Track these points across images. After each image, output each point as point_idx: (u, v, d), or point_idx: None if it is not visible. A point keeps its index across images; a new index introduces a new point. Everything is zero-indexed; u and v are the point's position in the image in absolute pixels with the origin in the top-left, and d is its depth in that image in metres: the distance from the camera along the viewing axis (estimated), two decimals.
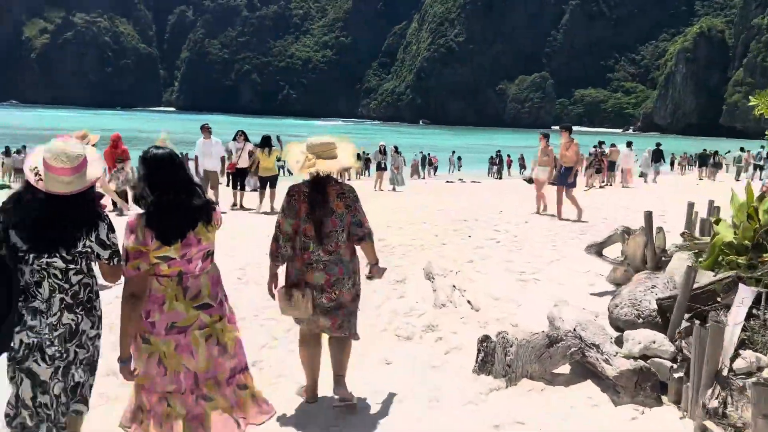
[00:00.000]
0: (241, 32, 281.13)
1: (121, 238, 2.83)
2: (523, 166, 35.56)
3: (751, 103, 5.40)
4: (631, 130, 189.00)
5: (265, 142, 13.23)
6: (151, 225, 2.74)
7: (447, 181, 28.11)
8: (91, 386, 2.94)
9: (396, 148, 21.47)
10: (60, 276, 2.71)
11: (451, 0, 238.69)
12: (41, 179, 2.65)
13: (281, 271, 3.75)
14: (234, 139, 14.01)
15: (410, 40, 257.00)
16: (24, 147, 28.03)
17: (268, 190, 12.86)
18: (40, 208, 2.64)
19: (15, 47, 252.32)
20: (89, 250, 2.75)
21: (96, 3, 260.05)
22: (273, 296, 3.72)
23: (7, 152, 27.76)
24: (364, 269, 3.86)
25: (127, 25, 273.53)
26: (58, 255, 2.68)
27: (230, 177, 15.85)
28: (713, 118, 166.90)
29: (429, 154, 36.36)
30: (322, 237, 3.52)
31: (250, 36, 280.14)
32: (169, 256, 2.78)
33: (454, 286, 5.87)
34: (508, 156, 37.70)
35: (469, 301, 5.62)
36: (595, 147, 22.09)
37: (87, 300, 2.82)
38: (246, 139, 13.73)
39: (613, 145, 23.88)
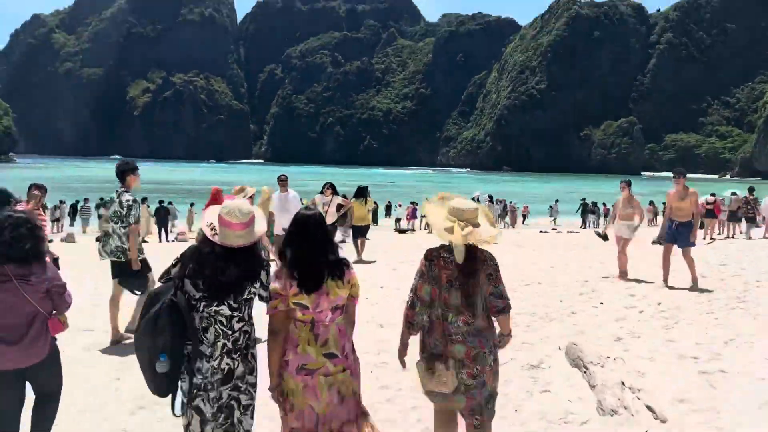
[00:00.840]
0: (326, 87, 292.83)
1: None
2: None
3: None
4: (728, 176, 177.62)
5: (361, 193, 13.61)
6: (292, 274, 3.07)
7: (541, 231, 26.33)
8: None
9: (491, 197, 19.93)
10: (225, 323, 3.02)
11: (531, 49, 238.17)
12: (216, 233, 3.03)
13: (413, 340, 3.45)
14: (321, 192, 12.43)
15: (489, 89, 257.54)
16: (105, 198, 28.45)
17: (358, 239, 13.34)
18: (217, 259, 2.98)
19: (120, 106, 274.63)
20: (253, 296, 3.10)
21: (193, 64, 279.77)
22: (403, 365, 3.50)
23: (104, 204, 28.12)
24: None
25: (221, 83, 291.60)
26: (225, 303, 3.01)
27: None
28: None
29: (511, 203, 34.12)
30: (464, 307, 3.29)
31: (334, 90, 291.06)
32: (303, 304, 3.06)
33: (622, 383, 4.40)
34: (604, 205, 35.27)
35: (649, 407, 4.15)
36: (744, 196, 20.77)
37: (245, 347, 3.11)
38: (334, 192, 12.32)
39: (733, 193, 21.68)
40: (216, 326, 3.02)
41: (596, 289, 9.09)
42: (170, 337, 2.89)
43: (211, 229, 3.04)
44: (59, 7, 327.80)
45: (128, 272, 6.27)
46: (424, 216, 20.07)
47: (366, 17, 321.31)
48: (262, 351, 3.09)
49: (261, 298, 3.15)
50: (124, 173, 6.42)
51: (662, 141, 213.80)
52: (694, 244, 9.41)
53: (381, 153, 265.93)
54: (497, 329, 3.44)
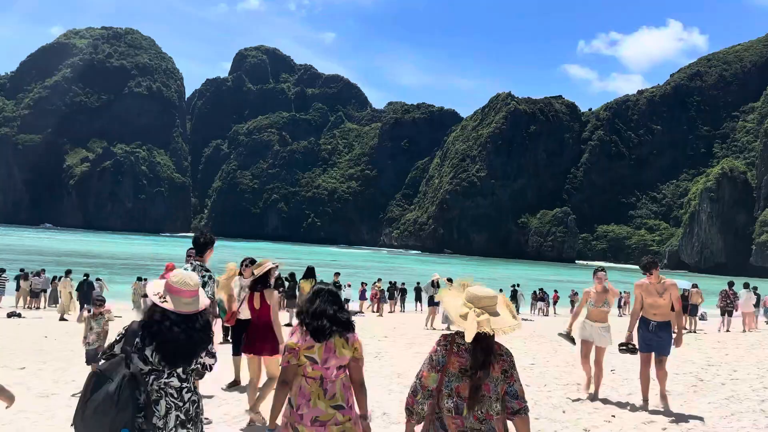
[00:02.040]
0: (272, 164, 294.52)
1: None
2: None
3: None
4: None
5: (310, 273, 13.26)
6: (306, 327, 3.53)
7: None
8: None
9: (450, 280, 19.23)
10: (175, 395, 3.10)
11: (472, 139, 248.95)
12: (165, 301, 3.15)
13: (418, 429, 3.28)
14: (240, 274, 8.27)
15: (432, 174, 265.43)
16: (43, 270, 26.01)
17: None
18: (172, 325, 3.09)
19: (56, 174, 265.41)
20: (200, 366, 3.23)
21: (136, 135, 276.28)
22: None
23: (25, 276, 25.10)
24: None
25: (164, 156, 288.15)
26: (175, 374, 3.10)
27: (227, 332, 11.90)
28: (743, 258, 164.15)
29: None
30: (475, 402, 3.07)
31: (280, 168, 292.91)
32: (314, 358, 3.46)
33: None
34: (555, 292, 35.56)
35: None
36: (723, 289, 20.83)
37: (195, 415, 3.21)
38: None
39: (694, 286, 20.95)
40: (167, 398, 3.07)
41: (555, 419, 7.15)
42: (131, 413, 2.89)
43: (160, 297, 3.15)
44: (1, 72, 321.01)
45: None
46: (438, 303, 18.54)
47: (315, 100, 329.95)
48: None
49: (204, 367, 3.27)
50: (206, 246, 5.95)
51: (595, 231, 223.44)
52: (668, 352, 7.44)
53: (324, 231, 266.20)
54: None
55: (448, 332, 3.32)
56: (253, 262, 7.76)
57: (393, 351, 12.06)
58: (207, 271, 5.81)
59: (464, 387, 3.08)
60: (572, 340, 8.45)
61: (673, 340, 7.40)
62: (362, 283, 30.67)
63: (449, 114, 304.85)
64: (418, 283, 33.26)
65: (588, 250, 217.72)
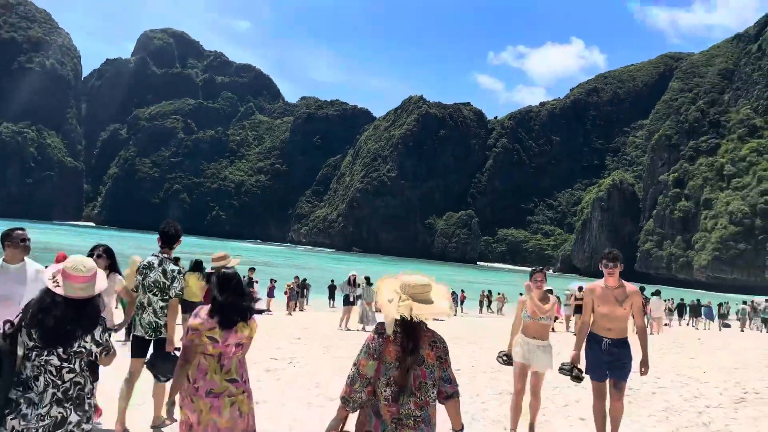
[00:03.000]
0: (175, 153, 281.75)
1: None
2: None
3: None
4: (551, 271, 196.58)
5: (197, 266, 12.65)
6: (211, 314, 3.84)
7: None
8: None
9: (368, 279, 18.74)
10: (54, 373, 3.19)
11: (384, 139, 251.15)
12: (59, 285, 3.27)
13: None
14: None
15: (344, 171, 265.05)
16: None
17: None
18: (56, 308, 3.20)
19: None
20: (83, 350, 3.27)
21: (25, 115, 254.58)
22: None
23: None
24: None
25: (55, 138, 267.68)
26: (55, 353, 3.20)
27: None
28: (628, 264, 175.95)
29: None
30: (413, 388, 3.14)
31: (183, 157, 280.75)
32: (215, 338, 3.81)
33: None
34: (462, 291, 36.19)
35: None
36: None
37: (77, 397, 3.26)
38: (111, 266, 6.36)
39: (580, 289, 20.36)
40: (45, 375, 3.17)
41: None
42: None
43: (53, 282, 3.26)
44: None
45: (160, 353, 5.33)
46: (353, 302, 17.53)
47: (224, 89, 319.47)
48: None
49: (90, 354, 3.32)
50: (176, 238, 5.63)
51: (495, 234, 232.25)
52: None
53: (229, 224, 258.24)
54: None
55: (383, 322, 3.29)
56: (108, 250, 5.79)
57: (308, 356, 11.44)
58: (176, 265, 5.55)
59: (399, 375, 3.14)
60: (509, 361, 6.57)
61: (638, 364, 5.72)
62: (271, 279, 29.60)
63: (362, 113, 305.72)
64: (332, 281, 32.66)
65: (489, 252, 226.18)
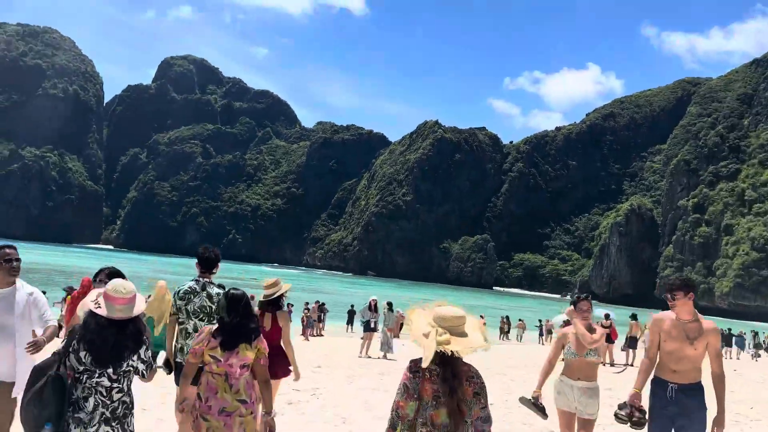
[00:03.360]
0: (193, 177, 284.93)
1: None
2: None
3: None
4: (569, 297, 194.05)
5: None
6: (213, 335, 4.03)
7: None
8: None
9: (390, 305, 18.35)
10: (105, 393, 3.37)
11: (400, 163, 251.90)
12: (100, 307, 3.44)
13: None
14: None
15: (359, 195, 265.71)
16: None
17: None
18: (101, 329, 3.37)
19: None
20: (132, 368, 3.48)
21: (47, 140, 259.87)
22: None
23: None
24: None
25: (77, 162, 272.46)
26: (106, 374, 3.37)
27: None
28: (648, 290, 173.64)
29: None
30: (458, 427, 2.95)
31: (201, 181, 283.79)
32: (217, 357, 3.99)
33: None
34: (482, 316, 35.67)
35: None
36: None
37: (123, 415, 3.47)
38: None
39: (633, 317, 20.37)
40: (96, 396, 3.34)
41: None
42: (54, 408, 3.16)
43: (96, 304, 3.44)
44: None
45: None
46: (374, 329, 17.08)
47: (242, 114, 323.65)
48: None
49: (136, 371, 3.54)
50: (215, 262, 5.57)
51: (512, 259, 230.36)
52: None
53: (245, 247, 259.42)
54: None
55: (418, 358, 3.11)
56: (113, 273, 5.31)
57: (331, 386, 11.16)
58: (221, 288, 5.40)
59: (437, 414, 2.96)
60: (542, 411, 5.47)
61: (712, 420, 4.67)
62: (288, 304, 29.38)
63: (378, 137, 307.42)
64: (352, 306, 32.31)
65: (505, 277, 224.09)
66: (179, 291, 5.51)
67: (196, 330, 5.30)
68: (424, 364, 2.93)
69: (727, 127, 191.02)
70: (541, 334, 38.49)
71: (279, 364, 5.70)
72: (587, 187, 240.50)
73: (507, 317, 41.25)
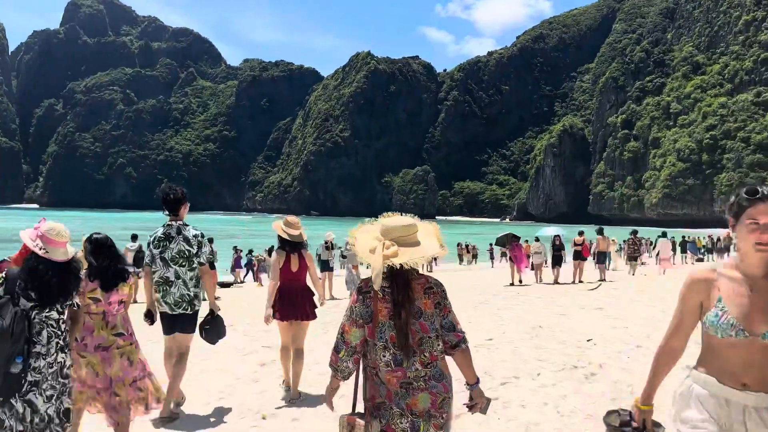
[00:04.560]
0: (116, 125, 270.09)
1: None
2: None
3: None
4: (507, 220, 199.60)
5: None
6: (89, 277, 4.17)
7: None
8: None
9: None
10: (54, 325, 3.63)
11: (334, 98, 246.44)
12: (46, 251, 3.63)
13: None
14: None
15: (295, 134, 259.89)
16: None
17: None
18: (48, 271, 3.60)
19: None
20: (71, 302, 3.79)
21: None
22: (331, 407, 3.01)
23: None
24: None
25: None
26: (54, 309, 3.65)
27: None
28: (582, 207, 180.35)
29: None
30: (414, 346, 2.71)
31: (125, 129, 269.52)
32: (97, 298, 4.21)
33: None
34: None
35: None
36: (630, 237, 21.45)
37: (66, 343, 3.76)
38: None
39: (600, 232, 20.02)
40: (48, 329, 3.59)
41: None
42: (23, 342, 3.41)
43: (40, 249, 3.62)
44: None
45: (211, 321, 5.24)
46: (332, 268, 15.63)
47: (162, 55, 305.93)
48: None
49: (73, 305, 3.85)
50: (179, 202, 5.24)
51: (452, 188, 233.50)
52: None
53: None
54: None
55: (368, 277, 2.83)
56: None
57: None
58: (196, 230, 5.21)
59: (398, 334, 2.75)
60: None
61: None
62: (235, 248, 27.80)
63: (309, 72, 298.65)
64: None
65: (447, 206, 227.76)
66: (153, 239, 5.15)
67: (178, 277, 5.05)
68: (376, 285, 2.66)
69: (651, 42, 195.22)
70: (492, 258, 38.79)
71: (312, 304, 5.76)
72: (521, 111, 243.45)
73: (466, 243, 41.38)
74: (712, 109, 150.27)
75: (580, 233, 18.90)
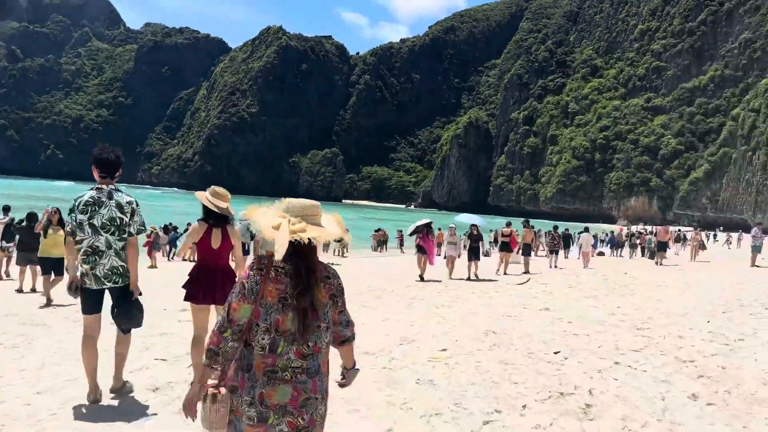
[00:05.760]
0: None
1: None
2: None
3: None
4: (413, 206, 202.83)
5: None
6: None
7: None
8: None
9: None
10: None
11: (242, 72, 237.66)
12: None
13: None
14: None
15: (198, 106, 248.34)
16: None
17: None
18: None
19: None
20: None
21: None
22: (193, 416, 2.62)
23: None
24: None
25: None
26: None
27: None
28: (483, 197, 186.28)
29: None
30: (304, 333, 2.58)
31: (8, 88, 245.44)
32: None
33: None
34: (346, 231, 34.42)
35: None
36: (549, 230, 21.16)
37: None
38: None
39: (526, 224, 19.79)
40: None
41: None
42: None
43: None
44: None
45: (126, 301, 4.64)
46: (248, 252, 14.21)
47: (54, 11, 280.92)
48: None
49: None
50: (116, 164, 4.77)
51: (360, 172, 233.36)
52: None
53: (68, 165, 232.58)
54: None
55: (263, 254, 2.67)
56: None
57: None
58: (129, 196, 4.77)
59: (284, 319, 2.57)
60: None
61: None
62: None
63: (216, 42, 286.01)
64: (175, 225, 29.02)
65: (354, 190, 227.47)
66: (79, 203, 4.59)
67: (109, 247, 4.57)
68: (278, 257, 2.49)
69: (555, 42, 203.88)
70: (402, 244, 38.56)
71: (228, 286, 4.83)
72: (430, 100, 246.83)
73: (382, 230, 40.85)
74: (606, 111, 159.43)
75: (508, 224, 18.68)
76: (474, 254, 16.67)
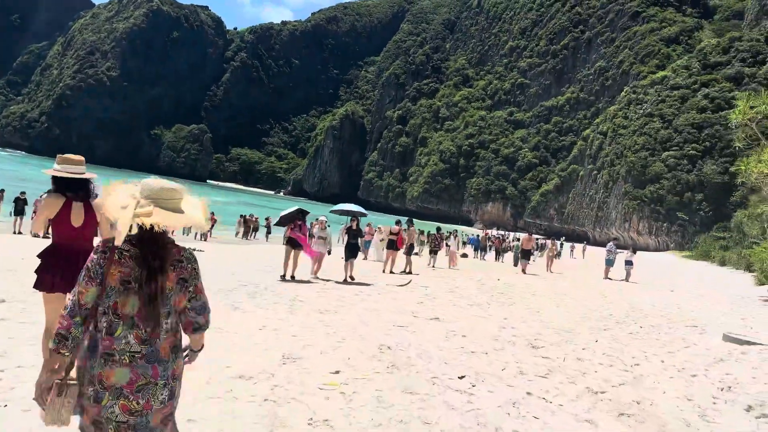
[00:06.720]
0: None
1: None
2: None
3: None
4: (282, 193, 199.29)
5: None
6: None
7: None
8: None
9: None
10: None
11: (105, 31, 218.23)
12: None
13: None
14: None
15: (51, 62, 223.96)
16: None
17: None
18: None
19: None
20: None
21: None
22: (43, 403, 2.54)
23: None
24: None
25: None
26: None
27: None
28: (353, 191, 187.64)
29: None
30: (144, 318, 2.54)
31: None
32: None
33: None
34: (212, 214, 32.11)
35: None
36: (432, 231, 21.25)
37: None
38: None
39: (410, 224, 19.32)
40: None
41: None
42: None
43: None
44: None
45: None
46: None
47: None
48: None
49: None
50: None
51: (229, 153, 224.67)
52: None
53: None
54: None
55: (109, 238, 2.64)
56: None
57: None
58: None
59: (125, 303, 2.53)
60: None
61: None
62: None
63: None
64: (23, 194, 25.44)
65: (220, 171, 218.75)
66: None
67: None
68: (118, 241, 2.49)
69: (432, 48, 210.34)
70: (269, 233, 37.41)
71: None
72: (308, 88, 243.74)
73: (252, 215, 38.94)
74: (473, 119, 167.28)
75: (397, 222, 18.15)
76: (351, 252, 14.93)
